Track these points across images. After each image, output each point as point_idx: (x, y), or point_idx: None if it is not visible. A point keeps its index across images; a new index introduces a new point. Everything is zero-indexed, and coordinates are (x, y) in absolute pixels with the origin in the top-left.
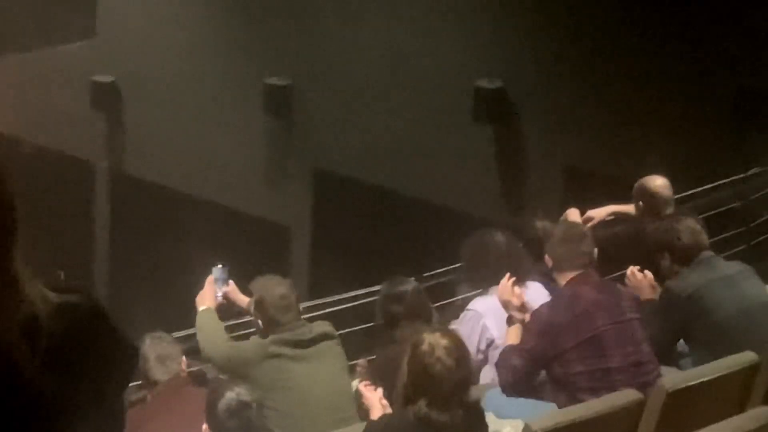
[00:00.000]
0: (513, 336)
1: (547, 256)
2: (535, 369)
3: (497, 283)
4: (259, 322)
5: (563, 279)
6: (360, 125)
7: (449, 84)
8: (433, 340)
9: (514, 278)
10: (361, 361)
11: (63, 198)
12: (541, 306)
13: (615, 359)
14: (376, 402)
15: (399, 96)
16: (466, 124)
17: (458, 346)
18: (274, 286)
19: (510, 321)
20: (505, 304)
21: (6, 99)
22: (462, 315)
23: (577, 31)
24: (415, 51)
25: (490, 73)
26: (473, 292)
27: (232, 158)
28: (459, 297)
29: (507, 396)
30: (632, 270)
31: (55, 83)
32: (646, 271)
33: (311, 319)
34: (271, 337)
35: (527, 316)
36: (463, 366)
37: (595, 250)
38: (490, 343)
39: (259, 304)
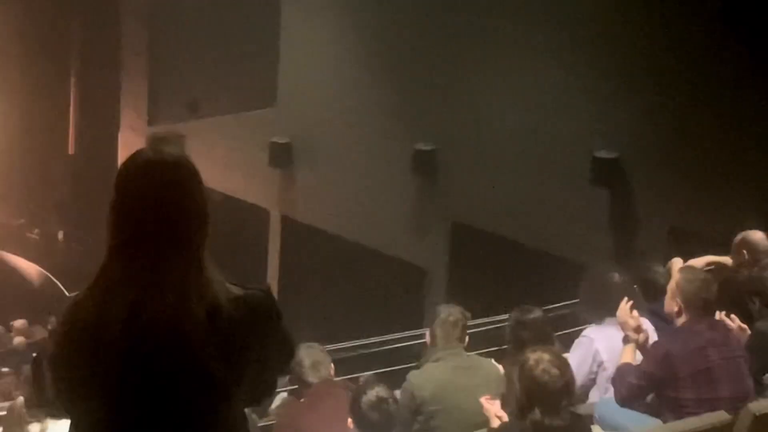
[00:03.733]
0: (627, 354)
1: (672, 297)
2: (648, 389)
3: (611, 314)
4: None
5: (684, 317)
6: (492, 185)
7: (572, 153)
8: (537, 356)
9: (631, 302)
10: None
11: (243, 239)
12: (662, 337)
13: (724, 390)
14: (494, 412)
15: (528, 161)
16: (584, 188)
17: (558, 358)
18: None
19: (626, 340)
20: (623, 325)
21: (200, 154)
22: (577, 341)
23: (686, 109)
24: (543, 123)
25: (607, 145)
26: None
27: (384, 210)
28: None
29: (620, 407)
30: (721, 316)
31: (240, 143)
32: (732, 316)
33: None
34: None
35: (641, 337)
36: (565, 374)
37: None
38: (600, 365)
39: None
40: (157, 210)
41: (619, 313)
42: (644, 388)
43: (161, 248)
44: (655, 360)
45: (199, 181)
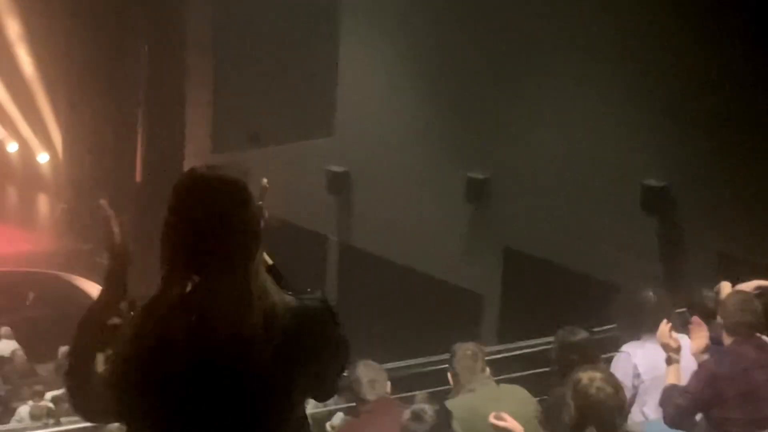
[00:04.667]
0: (672, 375)
1: (719, 318)
2: (695, 409)
3: (648, 331)
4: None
5: (730, 338)
6: (544, 213)
7: (621, 181)
8: (589, 375)
9: (670, 324)
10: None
11: (302, 263)
12: (709, 358)
13: None
14: (515, 426)
15: (578, 189)
16: (634, 215)
17: (611, 376)
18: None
19: (668, 361)
20: (664, 346)
21: (260, 181)
22: (615, 357)
23: (732, 136)
24: (593, 152)
25: (655, 173)
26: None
27: (438, 236)
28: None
29: (669, 427)
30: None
31: (299, 170)
32: None
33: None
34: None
35: (695, 353)
36: (619, 391)
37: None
38: (637, 377)
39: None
40: (210, 223)
41: (658, 334)
42: (691, 408)
43: (216, 261)
44: (701, 381)
45: (250, 196)
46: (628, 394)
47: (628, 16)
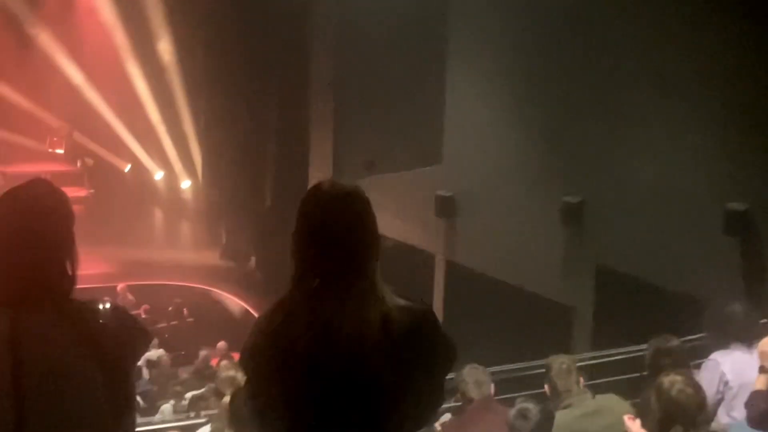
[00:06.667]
0: (761, 382)
1: None
2: None
3: (736, 340)
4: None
5: None
6: (633, 233)
7: (705, 205)
8: (671, 379)
9: None
10: None
11: (413, 279)
12: None
13: None
14: (635, 430)
15: (666, 212)
16: (717, 237)
17: (690, 379)
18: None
19: (762, 370)
20: (761, 354)
21: (376, 205)
22: (704, 364)
23: None
24: (679, 178)
25: (738, 197)
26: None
27: (536, 254)
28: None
29: (752, 428)
30: None
31: (410, 196)
32: None
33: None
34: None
35: None
36: (699, 393)
37: None
38: (725, 384)
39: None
40: (336, 236)
41: (761, 344)
42: None
43: (341, 272)
44: None
45: (371, 209)
46: (715, 399)
47: (712, 48)
